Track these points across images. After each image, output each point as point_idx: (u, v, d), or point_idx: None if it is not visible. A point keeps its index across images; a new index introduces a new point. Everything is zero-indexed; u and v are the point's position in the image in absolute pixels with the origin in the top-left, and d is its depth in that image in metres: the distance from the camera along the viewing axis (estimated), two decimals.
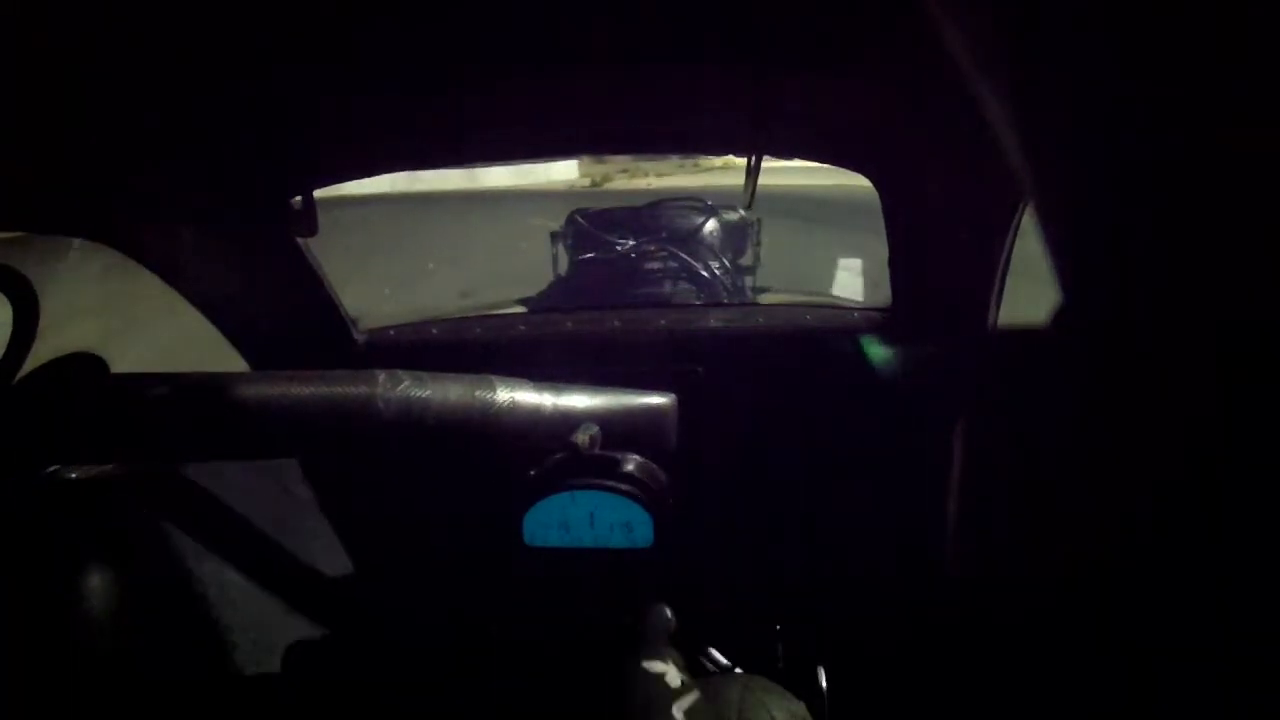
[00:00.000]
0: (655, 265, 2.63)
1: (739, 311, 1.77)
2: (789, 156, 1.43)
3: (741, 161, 1.32)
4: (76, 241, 1.36)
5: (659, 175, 14.77)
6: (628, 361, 1.46)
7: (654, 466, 1.08)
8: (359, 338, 1.58)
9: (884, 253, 1.41)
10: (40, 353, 0.94)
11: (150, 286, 1.33)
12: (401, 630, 1.33)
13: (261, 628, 1.21)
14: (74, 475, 1.11)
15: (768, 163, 1.28)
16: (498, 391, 1.02)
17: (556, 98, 1.18)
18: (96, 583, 1.05)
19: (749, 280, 2.95)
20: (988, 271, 1.20)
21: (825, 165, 1.39)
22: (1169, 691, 0.34)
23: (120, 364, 1.02)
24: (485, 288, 5.22)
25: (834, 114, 1.21)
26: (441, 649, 1.20)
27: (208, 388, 0.94)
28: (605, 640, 0.94)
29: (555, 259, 3.10)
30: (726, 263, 2.77)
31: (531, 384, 1.05)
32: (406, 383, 0.96)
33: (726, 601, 1.31)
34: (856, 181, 1.38)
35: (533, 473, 1.06)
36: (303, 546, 1.37)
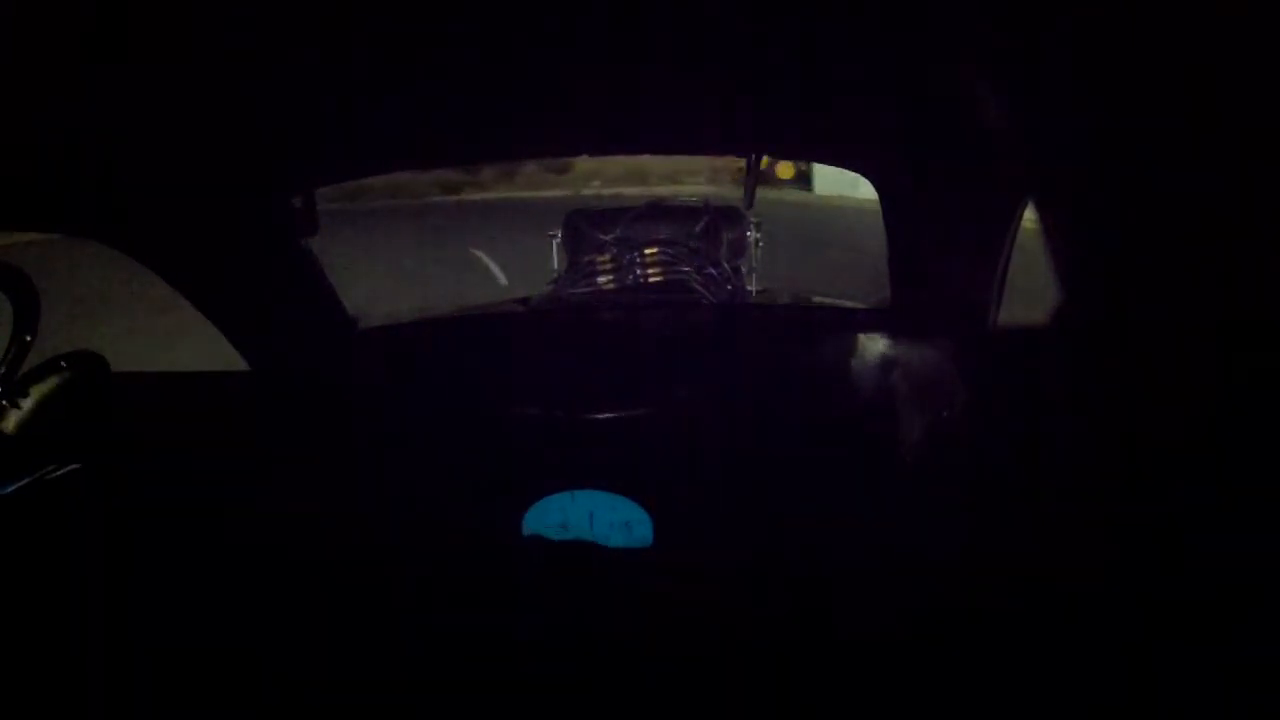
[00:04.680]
0: (654, 265, 2.63)
1: (738, 311, 1.77)
2: (789, 157, 1.44)
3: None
4: None
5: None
6: (626, 360, 1.46)
7: (654, 466, 1.08)
8: (359, 336, 1.58)
9: None
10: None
11: None
12: (400, 629, 1.33)
13: (260, 627, 1.21)
14: (74, 473, 1.11)
15: None
16: (497, 390, 1.02)
17: (557, 98, 1.18)
18: (96, 579, 1.05)
19: (749, 280, 2.95)
20: (988, 272, 1.20)
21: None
22: (1167, 686, 0.34)
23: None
24: None
25: (834, 114, 1.21)
26: (438, 648, 1.20)
27: (209, 387, 0.94)
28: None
29: (554, 258, 3.11)
30: (725, 263, 2.77)
31: (531, 382, 1.06)
32: (407, 382, 0.97)
33: (724, 598, 1.31)
34: None
35: (533, 472, 1.06)
36: (301, 544, 1.37)
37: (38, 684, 0.95)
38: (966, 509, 1.16)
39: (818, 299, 2.67)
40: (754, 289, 2.92)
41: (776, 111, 1.21)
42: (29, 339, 0.94)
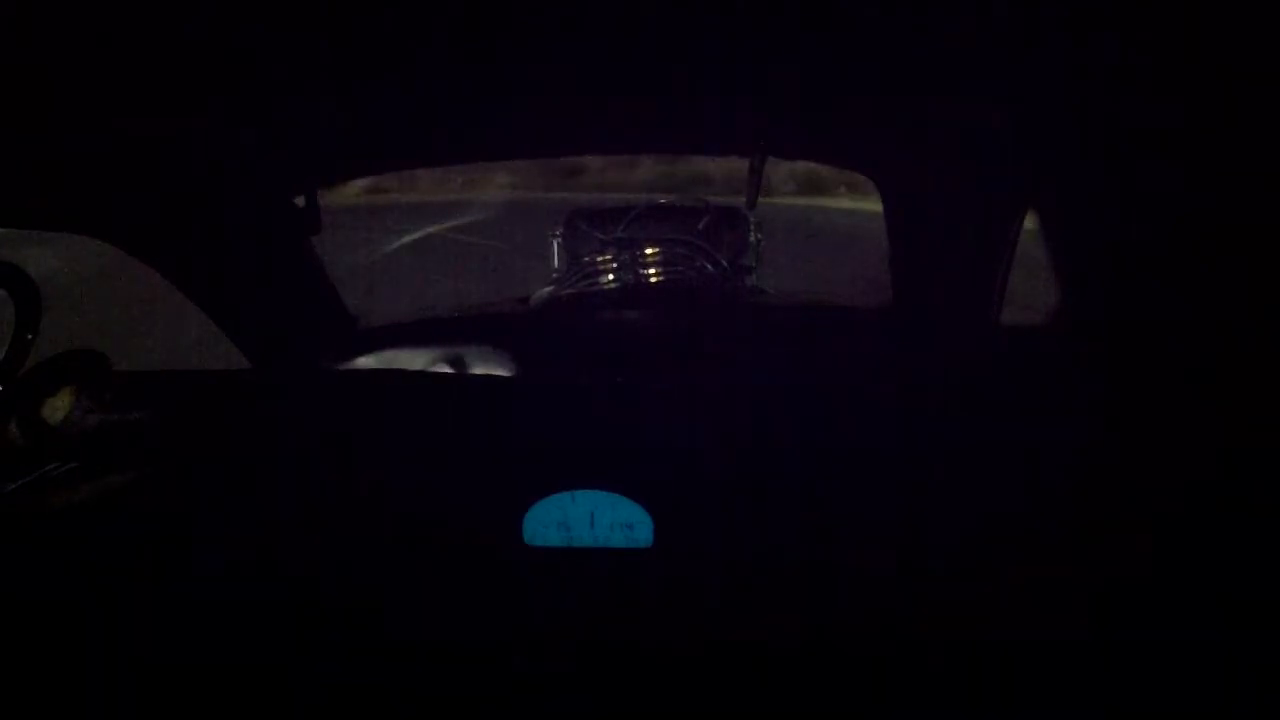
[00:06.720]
0: (654, 265, 2.64)
1: (738, 311, 1.77)
2: (790, 157, 1.44)
3: None
4: None
5: None
6: (626, 360, 1.46)
7: (654, 466, 1.08)
8: (360, 335, 1.58)
9: None
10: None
11: None
12: (400, 630, 1.33)
13: (257, 629, 1.21)
14: (74, 474, 1.11)
15: None
16: (498, 389, 1.02)
17: (558, 98, 1.18)
18: (94, 581, 1.05)
19: (749, 280, 2.96)
20: (988, 271, 1.20)
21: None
22: (1168, 685, 0.34)
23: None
24: None
25: (835, 114, 1.21)
26: (437, 648, 1.20)
27: (210, 386, 0.94)
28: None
29: (554, 258, 3.12)
30: (726, 263, 2.78)
31: (531, 381, 1.06)
32: (408, 382, 0.97)
33: (724, 601, 1.31)
34: None
35: (532, 472, 1.06)
36: (301, 545, 1.37)
37: (36, 686, 0.95)
38: (967, 509, 1.16)
39: (819, 299, 2.67)
40: (754, 288, 2.93)
41: (777, 111, 1.21)
42: (30, 338, 0.94)
